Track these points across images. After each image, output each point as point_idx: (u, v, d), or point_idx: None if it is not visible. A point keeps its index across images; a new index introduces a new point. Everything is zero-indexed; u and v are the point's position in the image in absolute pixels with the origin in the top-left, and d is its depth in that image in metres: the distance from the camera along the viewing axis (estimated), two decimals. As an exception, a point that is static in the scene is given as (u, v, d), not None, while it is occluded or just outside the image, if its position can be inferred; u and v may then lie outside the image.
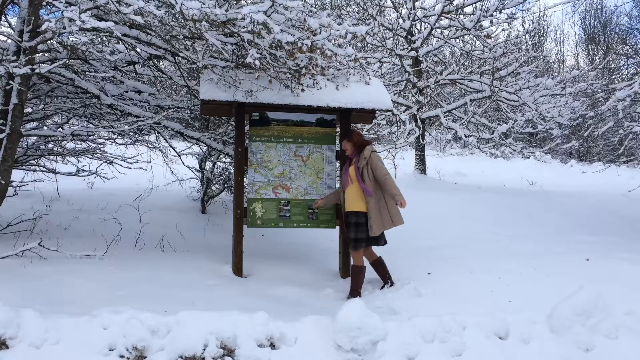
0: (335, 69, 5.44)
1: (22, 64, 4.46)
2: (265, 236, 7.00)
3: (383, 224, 4.99)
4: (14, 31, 5.17)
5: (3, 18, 5.52)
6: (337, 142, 5.92)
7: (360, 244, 5.01)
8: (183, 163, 7.99)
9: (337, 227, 5.70)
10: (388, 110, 5.76)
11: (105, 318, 3.36)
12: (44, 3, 4.80)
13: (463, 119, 12.32)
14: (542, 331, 3.66)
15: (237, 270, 5.38)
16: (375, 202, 4.96)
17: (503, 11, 10.67)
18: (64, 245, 5.38)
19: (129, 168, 7.71)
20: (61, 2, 4.47)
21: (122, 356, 3.23)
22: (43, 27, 4.21)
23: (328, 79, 5.50)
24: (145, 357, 3.27)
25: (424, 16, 11.54)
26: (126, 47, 5.66)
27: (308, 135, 5.71)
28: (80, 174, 7.89)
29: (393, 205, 5.02)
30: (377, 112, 6.09)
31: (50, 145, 7.39)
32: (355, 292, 4.96)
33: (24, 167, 7.67)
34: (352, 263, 5.08)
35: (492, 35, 11.45)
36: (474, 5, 11.11)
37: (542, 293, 4.66)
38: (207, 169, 8.46)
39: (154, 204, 7.99)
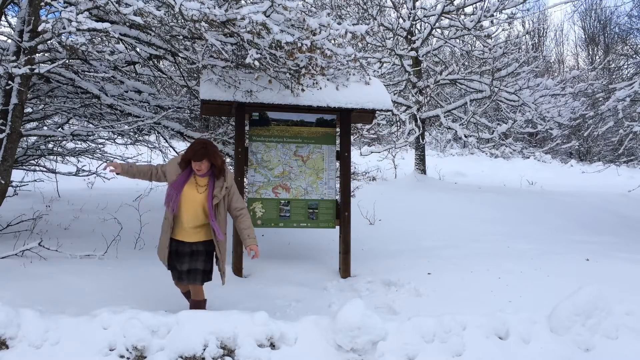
0: (335, 69, 5.44)
1: (22, 64, 4.46)
2: (265, 236, 7.00)
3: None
4: (14, 31, 5.18)
5: (3, 18, 5.52)
6: (337, 142, 5.92)
7: (210, 275, 4.05)
8: (183, 163, 7.98)
9: (337, 227, 5.70)
10: (388, 110, 5.76)
11: (105, 318, 3.36)
12: (42, 3, 4.80)
13: (463, 119, 12.32)
14: (542, 331, 3.66)
15: (237, 270, 5.38)
16: (225, 240, 4.02)
17: (503, 11, 10.68)
18: (64, 245, 5.38)
19: (129, 168, 7.68)
20: (60, 2, 4.48)
21: (122, 356, 3.23)
22: (40, 28, 4.21)
23: (328, 79, 5.50)
24: (145, 357, 3.27)
25: (424, 16, 11.54)
26: (126, 47, 5.66)
27: (308, 135, 5.70)
28: (80, 174, 7.89)
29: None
30: (377, 112, 6.09)
31: (50, 145, 7.40)
32: None
33: (24, 167, 7.68)
34: (197, 299, 4.02)
35: (492, 36, 11.45)
36: (474, 5, 11.11)
37: (542, 293, 4.66)
38: (207, 169, 8.44)
39: (153, 204, 7.99)
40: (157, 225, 6.92)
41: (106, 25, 4.09)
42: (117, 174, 3.92)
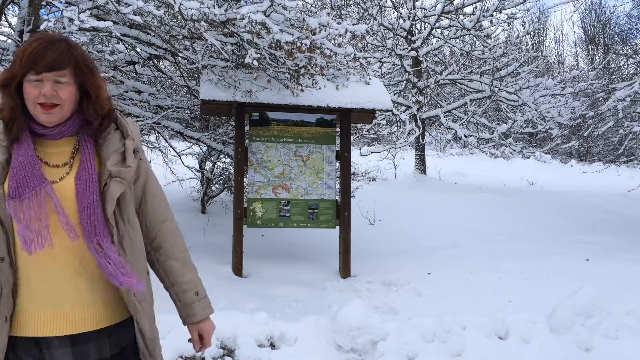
0: (335, 68, 5.44)
1: (22, 64, 4.45)
2: (265, 236, 7.00)
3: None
4: (14, 31, 5.17)
5: (3, 18, 5.52)
6: (337, 142, 5.92)
7: None
8: (183, 163, 7.99)
9: (337, 227, 5.70)
10: (388, 110, 5.76)
11: (105, 318, 3.35)
12: (43, 3, 4.80)
13: (463, 119, 12.32)
14: (542, 331, 3.66)
15: (237, 270, 5.38)
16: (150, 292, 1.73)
17: (503, 11, 10.68)
18: (63, 245, 5.36)
19: (129, 168, 7.68)
20: (61, 2, 4.48)
21: (121, 356, 3.23)
22: (42, 28, 4.21)
23: (328, 79, 5.50)
24: (145, 357, 3.26)
25: (424, 16, 11.55)
26: (126, 47, 5.66)
27: (308, 135, 5.70)
28: (80, 174, 7.87)
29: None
30: (377, 112, 6.09)
31: (50, 145, 7.39)
32: None
33: (24, 167, 7.67)
34: None
35: (492, 36, 11.46)
36: (474, 5, 11.12)
37: (542, 293, 4.66)
38: (207, 169, 8.46)
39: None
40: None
41: (108, 24, 4.09)
42: None
